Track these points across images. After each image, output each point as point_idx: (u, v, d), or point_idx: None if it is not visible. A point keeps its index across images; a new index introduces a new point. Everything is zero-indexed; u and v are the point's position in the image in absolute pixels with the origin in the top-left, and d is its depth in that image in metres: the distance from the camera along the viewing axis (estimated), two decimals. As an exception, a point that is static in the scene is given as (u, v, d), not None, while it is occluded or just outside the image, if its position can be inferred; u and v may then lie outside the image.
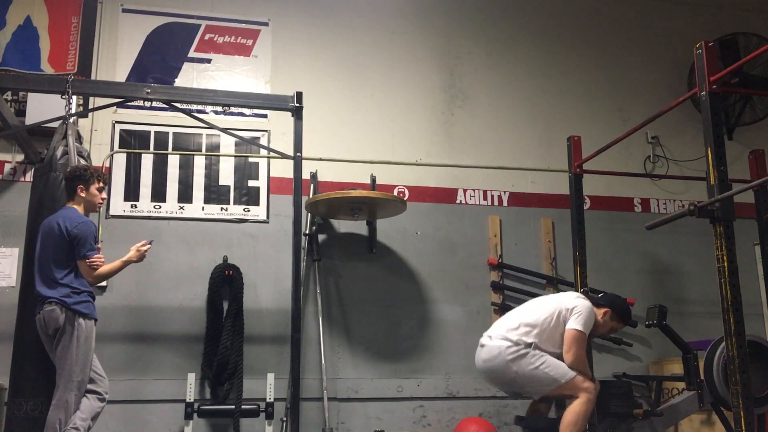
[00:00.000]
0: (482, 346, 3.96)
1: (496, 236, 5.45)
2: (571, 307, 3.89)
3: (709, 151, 3.17)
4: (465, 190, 5.56)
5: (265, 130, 5.29)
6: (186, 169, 5.12)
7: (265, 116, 5.31)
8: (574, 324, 3.83)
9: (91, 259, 3.55)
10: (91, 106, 4.91)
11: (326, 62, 5.55)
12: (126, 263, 3.70)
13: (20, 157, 4.87)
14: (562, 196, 5.35)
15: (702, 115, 3.27)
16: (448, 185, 5.53)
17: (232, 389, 4.68)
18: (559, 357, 3.87)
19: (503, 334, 3.88)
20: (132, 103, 4.64)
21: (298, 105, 4.33)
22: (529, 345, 3.80)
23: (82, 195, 3.69)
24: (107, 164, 4.95)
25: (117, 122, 5.08)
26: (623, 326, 4.20)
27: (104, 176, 3.82)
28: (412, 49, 5.74)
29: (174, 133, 5.15)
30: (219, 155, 5.19)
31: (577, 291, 4.37)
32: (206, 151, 5.16)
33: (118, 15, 5.28)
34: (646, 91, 6.04)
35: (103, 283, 4.64)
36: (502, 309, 5.27)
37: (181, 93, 4.51)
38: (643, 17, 6.26)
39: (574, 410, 3.75)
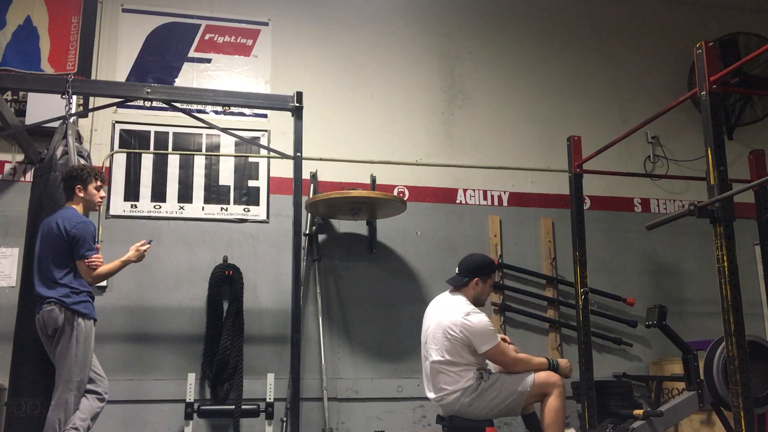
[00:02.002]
0: (438, 406, 3.78)
1: (496, 236, 5.45)
2: (467, 334, 3.64)
3: (709, 151, 3.16)
4: (465, 190, 5.56)
5: (265, 130, 5.29)
6: (186, 169, 5.12)
7: (265, 116, 5.32)
8: (485, 345, 3.64)
9: (89, 259, 3.54)
10: (91, 106, 4.91)
11: (326, 62, 5.55)
12: (125, 263, 3.69)
13: (20, 157, 4.87)
14: (562, 196, 5.35)
15: (702, 115, 3.26)
16: (448, 185, 5.53)
17: (232, 389, 4.68)
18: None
19: (447, 389, 3.68)
20: (132, 103, 4.64)
21: (298, 105, 4.32)
22: (479, 378, 3.66)
23: (81, 195, 3.68)
24: (107, 164, 4.96)
25: (117, 122, 5.08)
26: (495, 275, 4.14)
27: (101, 175, 3.81)
28: (412, 49, 5.74)
29: (174, 133, 5.15)
30: (219, 155, 5.19)
31: (577, 290, 4.37)
32: (206, 151, 5.16)
33: (118, 15, 5.28)
34: (646, 91, 6.04)
35: (103, 283, 4.64)
36: (502, 309, 5.27)
37: (181, 93, 4.50)
38: (643, 17, 6.26)
39: (551, 408, 3.70)
